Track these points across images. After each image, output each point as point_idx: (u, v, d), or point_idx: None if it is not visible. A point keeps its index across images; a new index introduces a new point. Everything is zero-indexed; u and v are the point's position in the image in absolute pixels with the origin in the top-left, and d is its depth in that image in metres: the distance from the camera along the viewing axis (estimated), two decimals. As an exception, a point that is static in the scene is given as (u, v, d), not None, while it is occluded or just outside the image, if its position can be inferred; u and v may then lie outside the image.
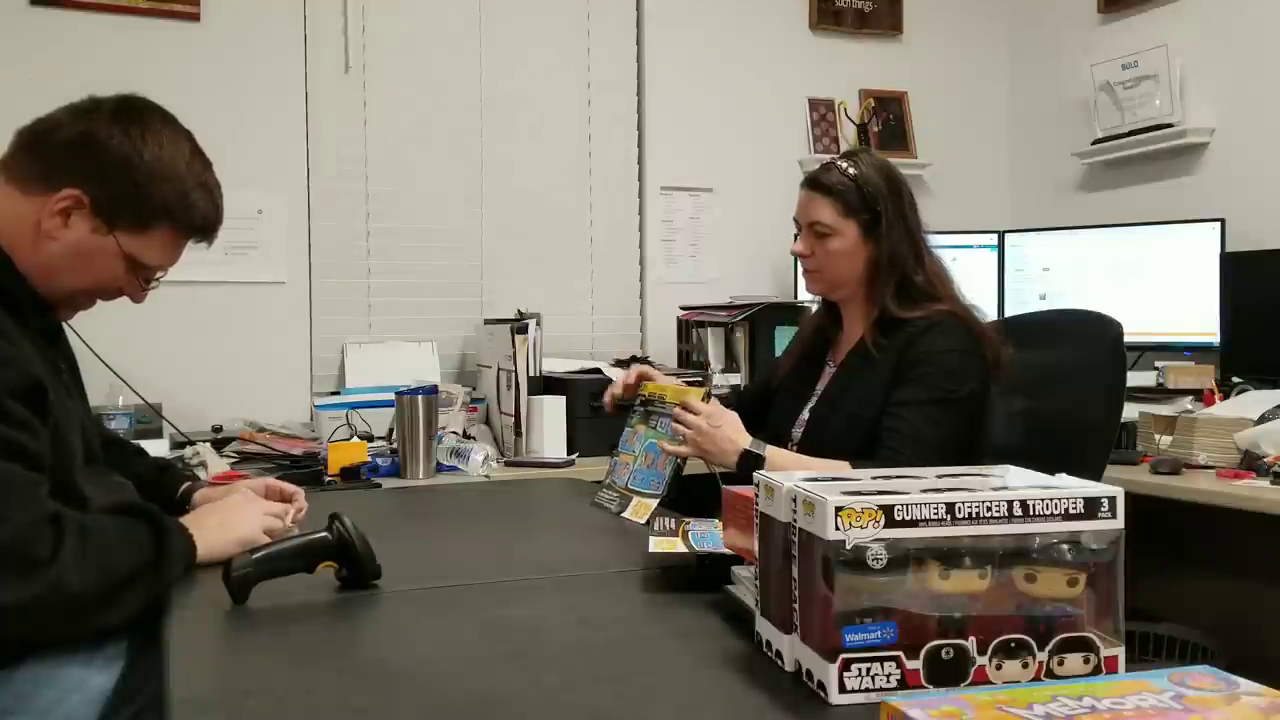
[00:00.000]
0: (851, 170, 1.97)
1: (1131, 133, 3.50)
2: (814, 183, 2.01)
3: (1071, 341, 2.29)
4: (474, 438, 2.90)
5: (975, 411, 1.93)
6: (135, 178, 1.47)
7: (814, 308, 2.46)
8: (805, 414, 2.06)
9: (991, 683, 0.96)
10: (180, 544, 1.43)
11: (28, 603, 1.24)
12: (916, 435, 1.84)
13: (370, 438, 2.82)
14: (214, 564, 1.43)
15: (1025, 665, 0.97)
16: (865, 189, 1.96)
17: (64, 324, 1.62)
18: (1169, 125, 3.38)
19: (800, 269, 2.08)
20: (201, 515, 1.57)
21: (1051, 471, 1.09)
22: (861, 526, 0.94)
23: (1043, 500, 0.97)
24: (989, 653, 0.97)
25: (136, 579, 1.35)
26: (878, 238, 1.96)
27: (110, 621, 1.34)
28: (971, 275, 3.59)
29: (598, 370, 3.12)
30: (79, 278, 1.50)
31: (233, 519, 1.56)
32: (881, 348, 1.94)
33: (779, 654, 1.07)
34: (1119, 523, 0.98)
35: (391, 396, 2.66)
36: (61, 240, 1.46)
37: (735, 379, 3.23)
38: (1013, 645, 0.97)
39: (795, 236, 2.10)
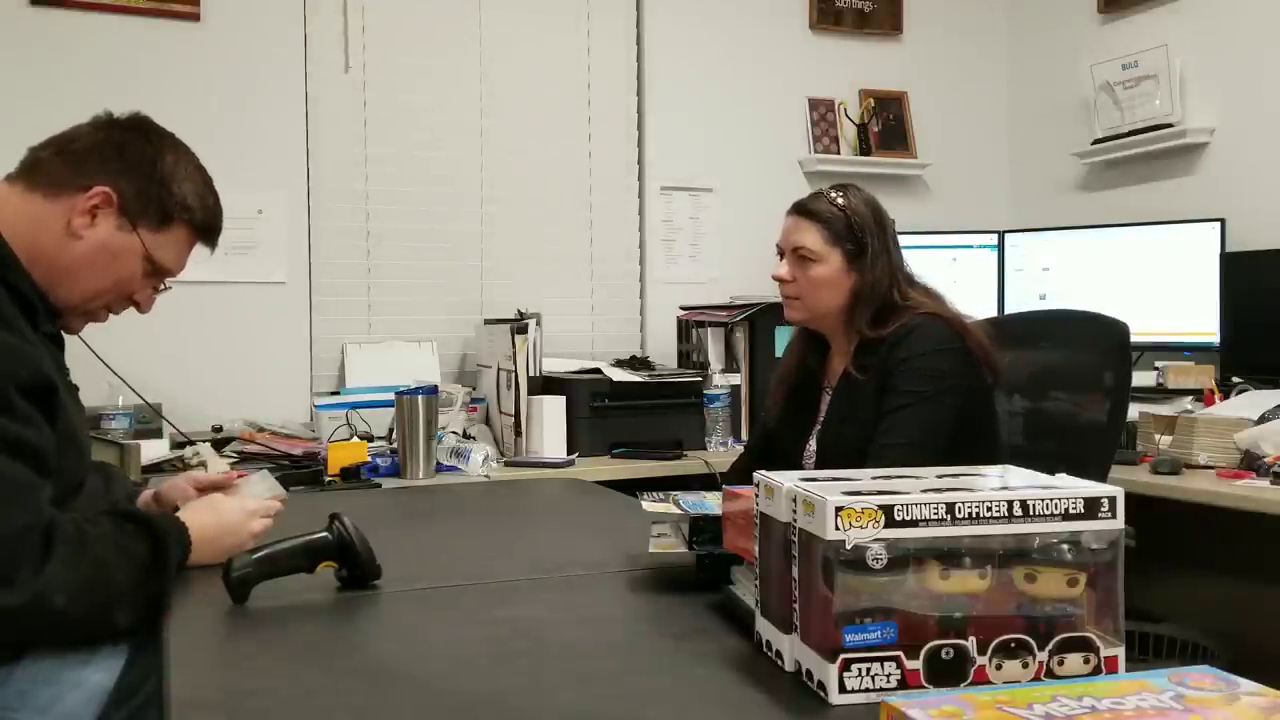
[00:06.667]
0: (840, 200, 1.99)
1: (1131, 133, 3.49)
2: (801, 209, 2.02)
3: (1078, 342, 2.29)
4: (474, 438, 2.90)
5: (965, 404, 1.92)
6: (159, 175, 1.54)
7: None
8: (812, 443, 2.05)
9: (991, 683, 0.96)
10: (177, 554, 1.43)
11: (13, 610, 1.23)
12: (896, 443, 1.84)
13: (370, 438, 2.82)
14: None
15: (1025, 665, 0.97)
16: (853, 219, 1.97)
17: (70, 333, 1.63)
18: (1169, 125, 3.38)
19: (781, 295, 2.06)
20: (200, 524, 1.52)
21: (1054, 472, 1.09)
22: (861, 526, 0.94)
23: (1043, 500, 0.97)
24: (989, 653, 0.96)
25: (130, 594, 1.34)
26: (861, 269, 1.97)
27: (100, 633, 1.34)
28: (971, 275, 3.60)
29: (598, 370, 3.12)
30: (100, 278, 1.53)
31: (226, 538, 1.54)
32: (864, 368, 1.95)
33: (779, 654, 1.07)
34: (1119, 523, 0.98)
35: (391, 396, 2.66)
36: (88, 239, 1.50)
37: (735, 379, 3.23)
38: (1013, 645, 0.97)
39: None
